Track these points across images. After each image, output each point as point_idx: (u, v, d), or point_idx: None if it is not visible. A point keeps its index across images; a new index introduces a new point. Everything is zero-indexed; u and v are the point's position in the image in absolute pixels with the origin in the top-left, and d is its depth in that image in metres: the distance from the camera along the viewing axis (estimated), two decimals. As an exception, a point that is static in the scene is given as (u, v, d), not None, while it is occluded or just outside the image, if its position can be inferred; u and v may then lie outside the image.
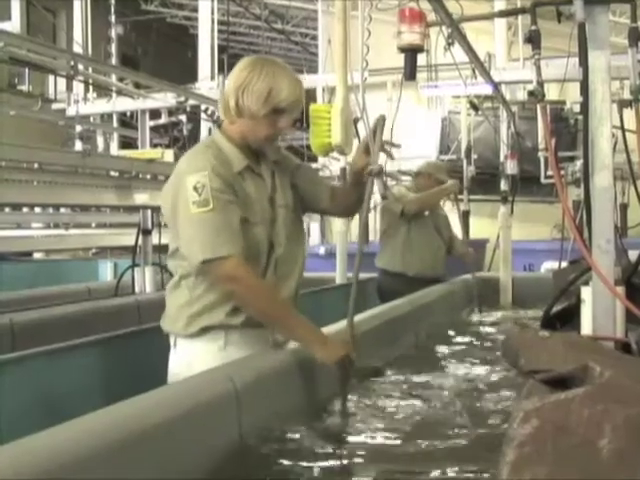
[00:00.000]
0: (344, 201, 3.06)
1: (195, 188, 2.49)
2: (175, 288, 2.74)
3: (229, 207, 2.55)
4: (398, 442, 2.36)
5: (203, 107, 8.24)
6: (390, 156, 2.96)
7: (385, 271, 5.81)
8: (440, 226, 5.95)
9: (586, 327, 2.65)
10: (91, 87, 9.74)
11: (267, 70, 2.62)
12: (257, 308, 2.60)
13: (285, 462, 2.10)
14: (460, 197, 8.11)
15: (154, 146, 9.79)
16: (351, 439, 2.40)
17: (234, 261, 2.50)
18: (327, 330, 2.96)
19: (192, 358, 2.64)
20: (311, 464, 2.11)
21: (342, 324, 2.99)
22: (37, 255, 9.07)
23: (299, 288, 2.90)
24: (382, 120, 2.78)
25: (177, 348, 2.73)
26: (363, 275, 6.47)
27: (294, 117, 2.76)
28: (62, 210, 7.61)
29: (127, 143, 11.01)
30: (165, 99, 8.49)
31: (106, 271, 8.52)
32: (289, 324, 2.63)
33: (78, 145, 8.85)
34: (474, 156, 8.70)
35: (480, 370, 3.59)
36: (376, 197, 7.87)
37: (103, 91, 9.90)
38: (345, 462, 2.19)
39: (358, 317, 3.59)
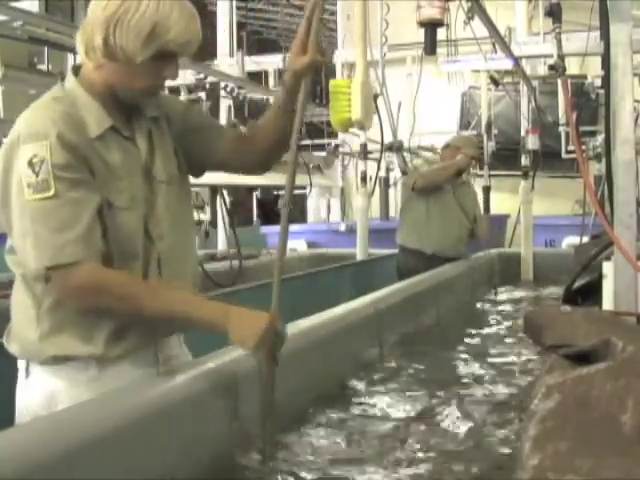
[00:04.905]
0: (267, 137, 2.17)
1: (31, 163, 1.76)
2: (18, 295, 1.98)
3: (79, 191, 1.81)
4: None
5: (222, 84, 8.22)
6: (328, 58, 2.16)
7: (403, 247, 5.61)
8: (465, 202, 5.67)
9: (607, 302, 2.65)
10: (110, 65, 9.74)
11: None
12: (142, 316, 1.89)
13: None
14: (480, 172, 8.09)
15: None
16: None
17: (86, 269, 1.81)
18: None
19: (53, 391, 1.93)
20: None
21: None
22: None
23: (196, 291, 2.19)
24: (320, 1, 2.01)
25: (30, 378, 1.96)
26: (382, 252, 6.53)
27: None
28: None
29: (146, 121, 11.00)
30: (184, 76, 8.46)
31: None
32: (190, 316, 1.90)
33: (98, 123, 8.87)
34: (495, 131, 8.64)
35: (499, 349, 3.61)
36: (396, 173, 7.75)
37: (122, 69, 9.89)
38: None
39: (377, 294, 3.60)
